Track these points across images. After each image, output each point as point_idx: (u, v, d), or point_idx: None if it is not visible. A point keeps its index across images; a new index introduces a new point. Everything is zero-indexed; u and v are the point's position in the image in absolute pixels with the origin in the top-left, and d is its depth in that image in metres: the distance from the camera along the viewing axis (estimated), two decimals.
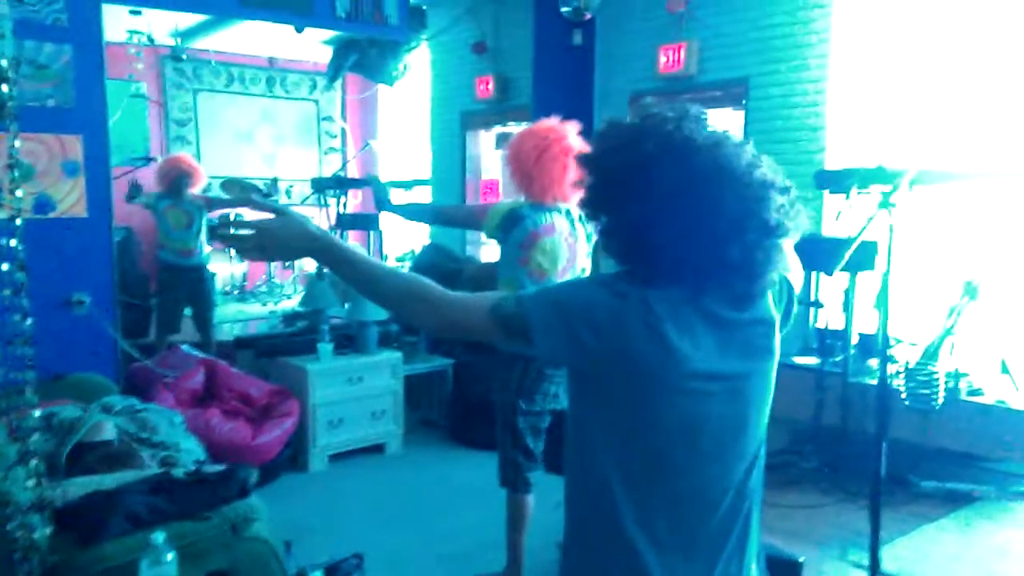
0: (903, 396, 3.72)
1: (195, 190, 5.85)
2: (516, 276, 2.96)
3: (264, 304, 7.82)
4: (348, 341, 4.93)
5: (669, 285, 1.28)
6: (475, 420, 5.07)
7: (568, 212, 3.04)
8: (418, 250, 7.07)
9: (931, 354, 4.02)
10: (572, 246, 3.03)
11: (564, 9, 5.80)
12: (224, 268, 8.21)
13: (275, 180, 8.89)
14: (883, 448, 2.22)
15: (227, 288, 8.18)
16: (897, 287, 4.26)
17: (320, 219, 7.82)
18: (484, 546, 3.48)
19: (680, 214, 1.26)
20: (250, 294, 8.30)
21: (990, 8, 4.19)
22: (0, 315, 2.11)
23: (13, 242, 2.10)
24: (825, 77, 4.73)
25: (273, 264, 8.16)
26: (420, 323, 1.49)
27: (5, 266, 2.09)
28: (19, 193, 2.13)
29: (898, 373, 3.80)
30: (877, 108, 4.69)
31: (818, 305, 4.41)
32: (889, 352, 4.03)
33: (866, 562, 2.97)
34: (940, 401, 3.67)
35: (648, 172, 1.28)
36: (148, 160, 8.08)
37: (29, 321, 2.17)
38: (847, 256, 2.45)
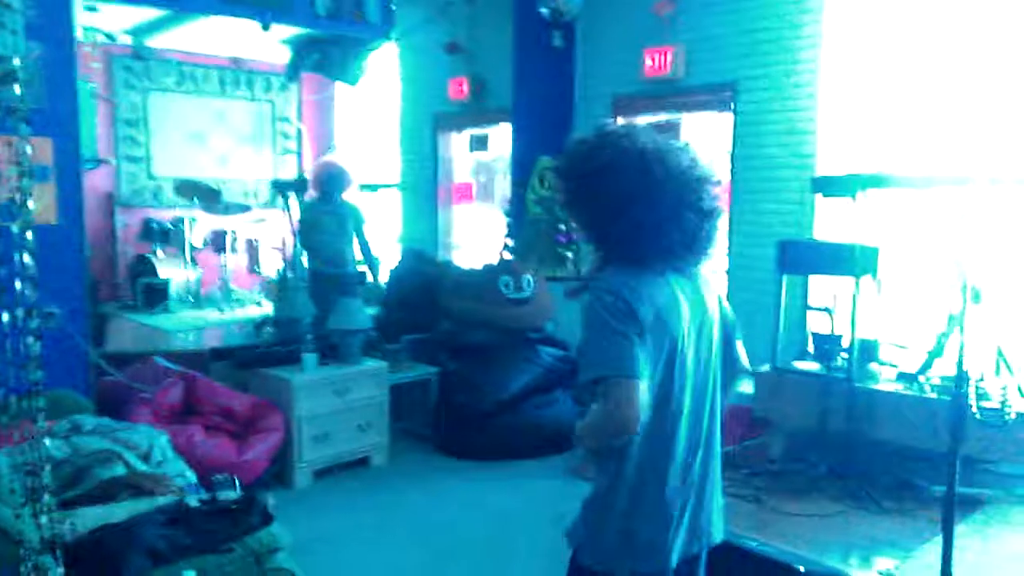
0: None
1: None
2: None
3: (221, 311, 7.53)
4: (331, 351, 4.74)
5: (630, 265, 1.71)
6: (460, 429, 4.93)
7: None
8: (396, 256, 6.85)
9: (931, 361, 4.03)
10: None
11: (542, 10, 5.69)
12: (178, 274, 7.87)
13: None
14: (956, 466, 2.16)
15: (181, 294, 7.84)
16: (894, 292, 4.28)
17: (281, 222, 7.57)
18: (476, 553, 3.47)
19: (634, 208, 1.67)
20: (206, 300, 7.97)
21: (981, 12, 4.22)
22: None
23: None
24: (815, 82, 4.71)
25: (229, 269, 7.90)
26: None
27: None
28: None
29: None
30: (868, 112, 4.69)
31: (815, 309, 4.38)
32: (889, 359, 4.06)
33: (884, 568, 3.04)
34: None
35: (606, 177, 1.69)
36: (98, 162, 7.72)
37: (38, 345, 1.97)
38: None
